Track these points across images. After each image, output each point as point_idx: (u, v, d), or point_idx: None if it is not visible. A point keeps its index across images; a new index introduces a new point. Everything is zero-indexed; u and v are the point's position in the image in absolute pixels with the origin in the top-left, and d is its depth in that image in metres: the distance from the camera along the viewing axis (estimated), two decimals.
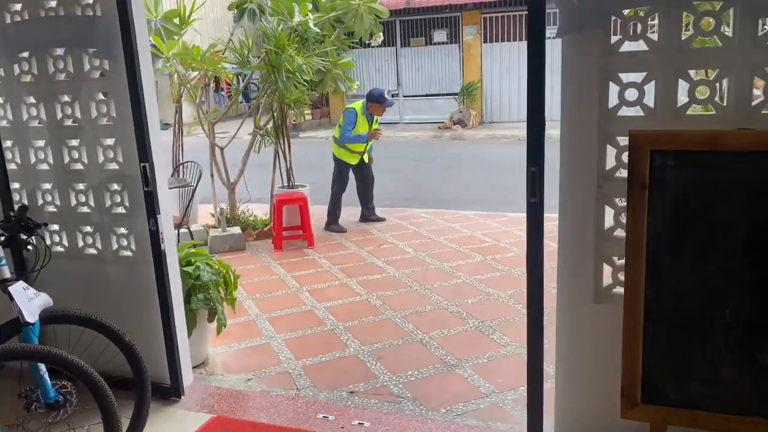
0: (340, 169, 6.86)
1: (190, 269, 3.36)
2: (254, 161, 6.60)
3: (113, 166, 3.05)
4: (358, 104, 6.68)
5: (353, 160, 6.87)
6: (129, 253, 3.14)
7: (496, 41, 15.36)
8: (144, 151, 2.86)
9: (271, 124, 6.41)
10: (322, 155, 12.69)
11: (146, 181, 2.88)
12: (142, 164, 2.87)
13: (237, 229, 6.13)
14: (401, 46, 16.28)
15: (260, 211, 7.28)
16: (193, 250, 3.61)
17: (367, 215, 7.07)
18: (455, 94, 15.75)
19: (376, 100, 6.65)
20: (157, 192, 2.92)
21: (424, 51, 16.10)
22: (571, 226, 2.41)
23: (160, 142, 3.05)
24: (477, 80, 15.49)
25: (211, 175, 6.45)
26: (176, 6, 6.27)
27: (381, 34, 7.07)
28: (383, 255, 5.67)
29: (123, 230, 3.14)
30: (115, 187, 3.08)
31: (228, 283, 3.56)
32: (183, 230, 5.55)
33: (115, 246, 3.17)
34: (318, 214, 7.28)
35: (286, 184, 6.45)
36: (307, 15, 6.20)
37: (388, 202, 8.32)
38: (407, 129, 15.77)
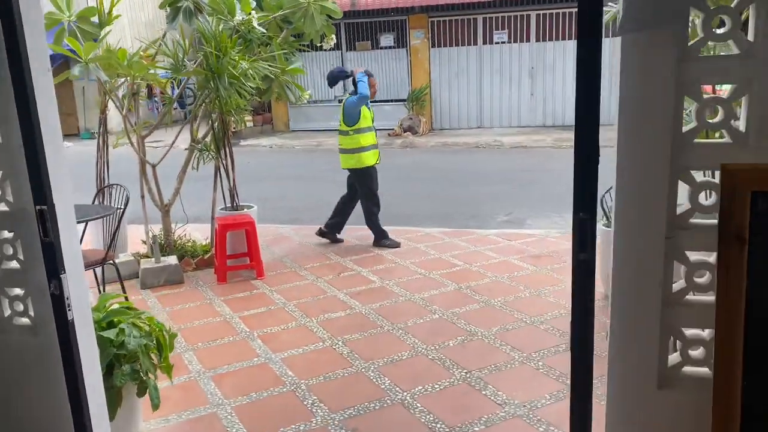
0: (368, 176, 6.13)
1: (111, 334, 2.61)
2: (193, 172, 5.82)
3: (1, 206, 2.29)
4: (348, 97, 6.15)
5: (374, 158, 6.15)
6: (26, 321, 2.38)
7: (444, 46, 14.95)
8: (40, 190, 2.11)
9: (210, 136, 5.65)
10: (266, 165, 11.97)
11: (44, 229, 2.13)
12: (38, 207, 2.12)
13: (173, 259, 5.33)
14: (347, 50, 15.66)
15: (200, 233, 6.49)
16: (116, 306, 2.86)
17: (334, 228, 6.37)
18: (404, 100, 15.25)
19: (366, 74, 6.05)
20: (61, 243, 2.18)
21: (371, 55, 15.53)
22: (628, 288, 1.83)
23: (67, 172, 2.31)
24: (425, 86, 15.04)
25: (142, 196, 5.62)
26: (95, 3, 5.43)
27: (334, 36, 6.42)
28: (344, 285, 5.01)
29: (18, 291, 2.37)
30: (5, 234, 2.32)
31: (162, 346, 2.83)
32: (109, 264, 4.72)
33: (7, 311, 2.39)
34: (267, 235, 6.55)
35: (229, 204, 5.70)
36: (250, 14, 5.49)
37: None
38: None
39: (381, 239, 6.20)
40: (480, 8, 14.40)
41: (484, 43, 14.69)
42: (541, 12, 14.21)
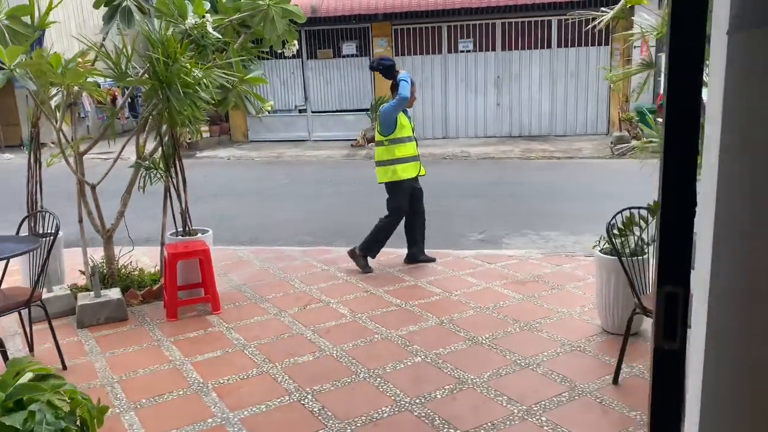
0: (400, 191, 5.49)
1: (17, 420, 2.02)
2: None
3: None
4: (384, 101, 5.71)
5: (414, 170, 5.53)
6: None
7: (408, 54, 14.55)
8: None
9: (159, 153, 5.03)
10: (223, 178, 11.30)
11: None
12: None
13: (116, 292, 4.68)
14: (308, 58, 15.11)
15: (150, 258, 5.86)
16: (29, 378, 2.26)
17: (416, 255, 5.76)
18: (367, 109, 14.77)
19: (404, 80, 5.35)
20: None
21: (333, 63, 15.03)
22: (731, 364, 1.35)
23: None
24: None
25: (80, 220, 4.97)
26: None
27: (296, 42, 5.89)
28: (311, 320, 4.46)
29: None
30: None
31: (88, 426, 2.24)
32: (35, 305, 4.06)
33: None
34: (224, 259, 5.96)
35: (181, 229, 5.08)
36: (203, 17, 4.91)
37: (308, 238, 7.11)
38: (317, 147, 14.58)
39: (364, 253, 5.57)
40: (444, 16, 14.07)
41: (449, 51, 14.36)
42: (507, 21, 13.96)
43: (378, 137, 5.47)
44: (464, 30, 14.24)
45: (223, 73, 4.79)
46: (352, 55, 14.92)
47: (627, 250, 3.90)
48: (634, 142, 12.03)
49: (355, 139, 14.49)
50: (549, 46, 13.95)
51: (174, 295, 4.57)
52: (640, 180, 9.56)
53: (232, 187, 10.36)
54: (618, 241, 3.89)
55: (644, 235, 3.94)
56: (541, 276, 5.29)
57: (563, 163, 11.59)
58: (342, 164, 12.56)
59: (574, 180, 9.85)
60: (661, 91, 13.10)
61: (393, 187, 5.49)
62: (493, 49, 14.18)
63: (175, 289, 4.57)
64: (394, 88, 5.42)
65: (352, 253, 5.63)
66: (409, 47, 14.53)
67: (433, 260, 5.78)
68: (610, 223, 4.04)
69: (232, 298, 4.98)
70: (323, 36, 14.94)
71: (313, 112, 15.38)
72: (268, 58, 13.89)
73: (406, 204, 5.55)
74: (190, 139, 14.39)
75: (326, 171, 11.66)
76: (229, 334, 4.27)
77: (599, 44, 13.73)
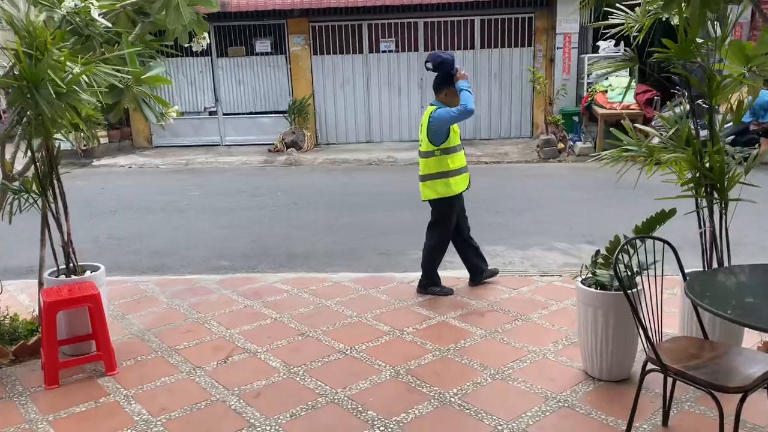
0: (451, 207, 4.81)
1: None
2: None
3: None
4: (431, 108, 4.72)
5: (466, 183, 4.87)
6: None
7: (327, 53, 13.73)
8: None
9: (32, 172, 3.98)
10: (124, 191, 9.92)
11: None
12: None
13: None
14: (218, 56, 13.95)
15: (28, 297, 4.77)
16: None
17: (481, 272, 5.09)
18: (284, 112, 13.82)
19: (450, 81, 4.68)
20: None
21: (246, 62, 13.96)
22: None
23: None
24: (308, 96, 13.73)
25: None
26: None
27: (206, 35, 4.96)
28: (235, 379, 3.59)
29: None
30: None
31: None
32: None
33: None
34: (122, 296, 4.94)
35: (63, 267, 4.04)
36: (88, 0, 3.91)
37: (224, 263, 6.16)
38: (231, 152, 13.47)
39: (431, 286, 4.92)
40: (365, 14, 13.36)
41: (371, 51, 13.67)
42: (429, 20, 13.45)
43: (426, 147, 4.70)
44: (386, 29, 13.60)
45: (114, 70, 3.80)
46: (267, 53, 13.91)
47: (611, 282, 3.31)
48: (577, 145, 11.83)
49: (273, 144, 13.51)
50: (472, 46, 13.57)
51: (54, 356, 3.55)
52: (574, 185, 9.17)
53: (134, 200, 9.16)
54: (606, 272, 3.29)
55: (633, 263, 3.36)
56: (498, 303, 4.66)
57: (492, 169, 11.17)
58: (260, 172, 11.56)
59: (508, 187, 9.40)
60: (585, 94, 13.04)
61: (444, 204, 4.78)
62: (416, 50, 13.63)
63: (54, 347, 3.55)
64: (443, 86, 4.69)
65: (421, 291, 4.94)
66: (327, 46, 13.71)
67: (495, 272, 5.20)
68: (598, 253, 3.44)
69: (132, 350, 4.01)
70: (234, 32, 13.84)
71: (224, 114, 14.23)
72: (174, 54, 12.65)
73: (454, 221, 4.89)
74: (85, 145, 12.91)
75: (242, 180, 10.64)
76: (128, 406, 3.32)
77: (522, 45, 13.49)
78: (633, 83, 11.72)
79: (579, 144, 11.91)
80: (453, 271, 5.57)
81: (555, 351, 3.80)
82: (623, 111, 11.33)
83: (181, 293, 5.07)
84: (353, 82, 13.80)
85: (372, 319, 4.42)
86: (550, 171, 10.68)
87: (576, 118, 12.81)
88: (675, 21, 3.72)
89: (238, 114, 14.22)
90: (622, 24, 3.78)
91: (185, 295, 5.03)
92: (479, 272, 5.07)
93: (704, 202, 3.45)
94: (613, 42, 12.97)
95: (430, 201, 4.87)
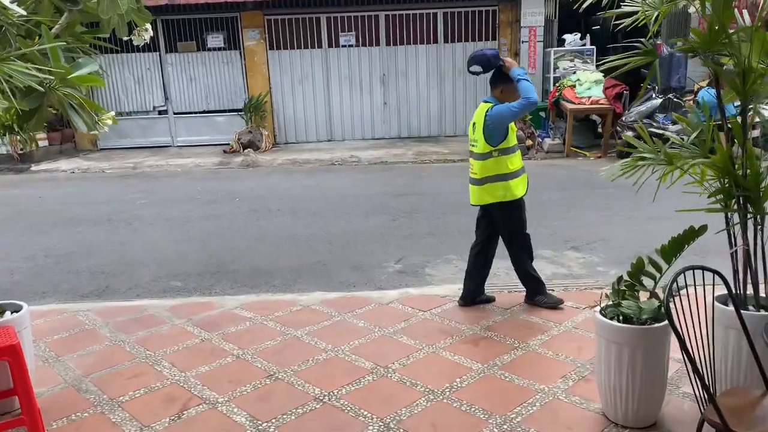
0: (517, 211, 4.37)
1: None
2: None
3: None
4: (486, 105, 4.21)
5: (525, 186, 4.39)
6: None
7: (284, 48, 13.03)
8: None
9: None
10: (64, 200, 9.02)
11: None
12: None
13: None
14: (167, 52, 13.08)
15: None
16: None
17: (475, 293, 4.64)
18: (240, 110, 13.06)
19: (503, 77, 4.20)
20: None
21: (197, 58, 13.13)
22: None
23: None
24: (265, 93, 13.01)
25: None
26: None
27: (149, 27, 4.30)
28: None
29: None
30: None
31: None
32: None
33: None
34: (57, 330, 4.25)
35: None
36: None
37: (177, 284, 5.49)
38: (183, 154, 12.65)
39: (538, 295, 4.49)
40: (323, 6, 12.71)
41: (330, 45, 13.03)
42: (390, 13, 12.89)
43: (482, 148, 4.22)
44: (345, 22, 12.97)
45: (33, 68, 3.11)
46: (220, 48, 13.11)
47: (639, 314, 2.83)
48: (546, 142, 11.46)
49: (229, 144, 12.75)
50: (435, 41, 13.08)
51: None
52: (548, 185, 8.75)
53: (77, 211, 8.33)
54: (633, 303, 2.80)
55: (659, 290, 2.89)
56: (492, 328, 4.16)
57: (460, 167, 10.68)
58: (215, 175, 10.81)
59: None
60: (552, 89, 12.72)
61: (507, 208, 4.33)
62: (378, 44, 13.06)
63: None
64: (498, 82, 4.21)
65: (534, 304, 4.49)
66: (284, 40, 13.01)
67: (492, 299, 4.68)
68: (621, 279, 2.95)
69: (65, 405, 3.34)
70: (184, 26, 12.99)
71: (175, 113, 13.37)
72: (114, 50, 11.73)
73: (525, 218, 4.42)
74: (21, 149, 11.87)
75: (196, 184, 9.88)
76: None
77: (486, 39, 13.08)
78: (601, 77, 11.48)
79: (548, 140, 11.56)
80: (438, 287, 5.04)
81: (565, 389, 3.31)
82: (593, 106, 11.05)
83: (128, 325, 4.40)
84: (312, 78, 13.14)
85: (350, 352, 3.85)
86: None
87: (543, 114, 12.47)
88: (692, 9, 3.26)
89: (190, 113, 13.39)
90: (636, 13, 3.29)
91: (132, 327, 4.36)
92: (474, 296, 4.60)
93: (736, 218, 2.99)
94: (579, 35, 12.70)
95: (487, 206, 4.40)
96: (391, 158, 11.56)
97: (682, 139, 3.27)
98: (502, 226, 4.44)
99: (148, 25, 4.28)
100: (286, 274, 5.66)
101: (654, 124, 10.27)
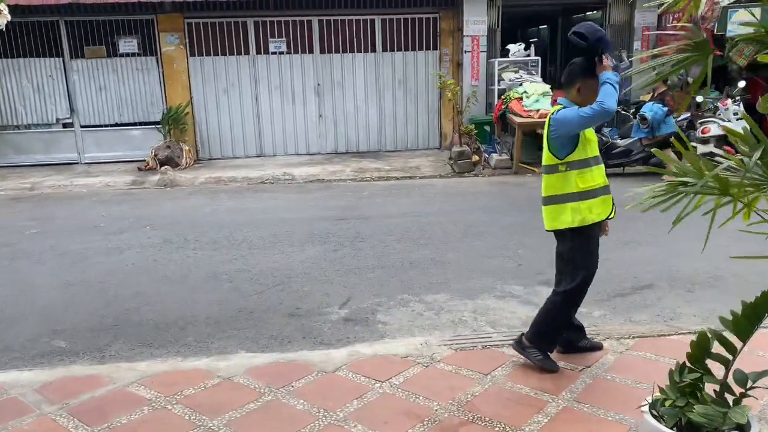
0: (586, 241, 3.45)
1: None
2: None
3: None
4: (555, 108, 3.41)
5: (606, 208, 3.45)
6: None
7: (207, 54, 11.81)
8: None
9: None
10: None
11: None
12: None
13: None
14: (72, 57, 11.58)
15: None
16: None
17: (581, 340, 3.78)
18: (157, 123, 11.71)
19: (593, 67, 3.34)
20: None
21: (108, 64, 11.70)
22: None
23: None
24: (185, 104, 11.72)
25: None
26: None
27: (5, 6, 3.16)
28: None
29: None
30: None
31: None
32: None
33: None
34: None
35: None
36: None
37: (60, 344, 4.28)
38: (91, 173, 11.17)
39: (540, 347, 3.56)
40: (250, 9, 11.60)
41: (258, 52, 11.90)
42: (325, 18, 11.92)
43: (548, 159, 3.45)
44: (275, 27, 11.89)
45: None
46: (134, 54, 11.72)
47: (722, 423, 1.93)
48: (493, 157, 10.70)
49: (144, 161, 11.37)
50: (374, 49, 12.20)
51: None
52: (503, 205, 7.91)
53: None
54: (711, 407, 1.91)
55: (731, 381, 2.01)
56: (472, 404, 3.20)
57: (404, 185, 9.82)
58: (126, 197, 9.43)
59: (430, 209, 8.05)
60: (497, 101, 12.08)
61: (576, 236, 3.43)
62: (311, 51, 12.04)
63: None
64: (578, 77, 3.34)
65: (519, 346, 3.62)
66: (207, 46, 11.78)
67: (599, 347, 3.79)
68: (683, 369, 2.05)
69: None
70: (92, 29, 11.54)
71: (83, 126, 11.85)
72: (6, 54, 10.24)
73: (596, 259, 3.50)
74: None
75: (101, 209, 8.51)
76: None
77: (427, 48, 12.32)
78: (549, 89, 10.90)
79: (495, 156, 10.86)
80: (395, 342, 4.05)
81: None
82: (542, 120, 10.42)
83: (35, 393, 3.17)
84: (239, 88, 11.96)
85: None
86: (469, 187, 9.49)
87: (488, 128, 11.79)
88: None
89: (101, 126, 11.90)
90: None
91: (55, 393, 3.14)
92: (575, 335, 3.76)
93: None
94: (523, 46, 12.14)
95: (554, 232, 3.51)
96: (329, 176, 10.54)
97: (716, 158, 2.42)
98: (563, 258, 3.53)
99: (3, 6, 3.14)
100: (203, 326, 4.54)
101: (603, 138, 9.72)
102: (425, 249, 6.18)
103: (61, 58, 11.52)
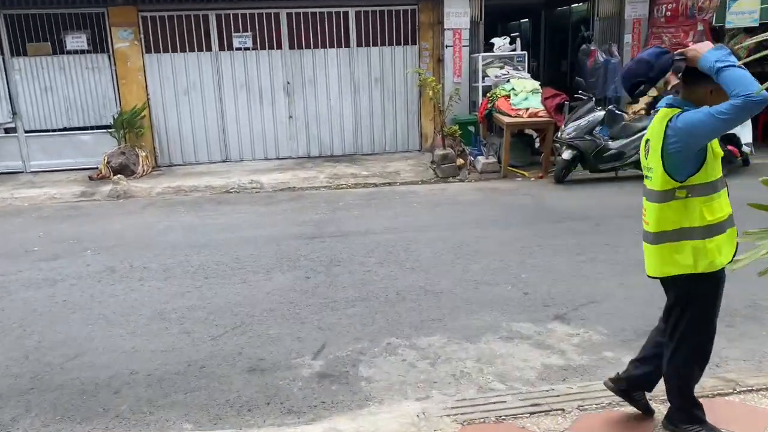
0: (714, 290, 2.61)
1: None
2: None
3: None
4: (668, 113, 2.50)
5: (730, 250, 2.55)
6: None
7: (165, 51, 10.76)
8: None
9: None
10: None
11: None
12: None
13: None
14: (13, 55, 10.44)
15: None
16: None
17: (639, 391, 2.99)
18: (109, 126, 10.63)
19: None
20: None
21: (54, 62, 10.57)
22: None
23: None
24: (141, 106, 10.66)
25: None
26: None
27: None
28: None
29: None
30: None
31: None
32: None
33: None
34: None
35: None
36: None
37: None
38: (37, 183, 10.06)
39: (689, 422, 2.74)
40: (211, 1, 10.59)
41: (222, 48, 10.90)
42: (293, 10, 10.97)
43: (661, 182, 2.53)
44: (239, 21, 10.89)
45: None
46: (82, 51, 10.61)
47: None
48: (479, 161, 9.84)
49: (96, 168, 10.30)
50: (347, 44, 11.28)
51: None
52: (495, 217, 7.04)
53: None
54: None
55: None
56: None
57: (384, 193, 8.94)
58: (71, 212, 8.37)
59: (414, 222, 7.17)
60: (481, 99, 11.26)
61: (696, 284, 2.58)
62: (279, 47, 11.07)
63: None
64: (701, 80, 2.46)
65: (672, 427, 2.81)
66: (164, 41, 10.73)
67: (651, 413, 3.01)
68: None
69: None
70: (35, 23, 10.40)
71: (27, 132, 10.71)
72: None
73: (718, 310, 2.68)
74: None
75: (40, 228, 7.45)
76: None
77: (405, 43, 11.44)
78: (539, 87, 10.08)
79: (481, 159, 10.04)
80: (383, 409, 3.16)
81: None
82: (531, 119, 9.63)
83: None
84: (201, 87, 10.93)
85: None
86: (455, 195, 8.65)
87: (472, 128, 10.97)
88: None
89: (47, 131, 10.77)
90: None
91: None
92: (643, 387, 2.97)
93: None
94: (509, 39, 11.33)
95: (667, 279, 2.62)
96: (300, 183, 9.61)
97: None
98: (677, 314, 2.67)
99: None
100: (142, 388, 3.61)
101: (596, 140, 8.94)
102: (413, 274, 5.30)
103: (0, 56, 10.37)
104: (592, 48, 11.64)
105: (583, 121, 8.91)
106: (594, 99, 9.42)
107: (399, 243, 6.18)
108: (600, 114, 8.94)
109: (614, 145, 9.05)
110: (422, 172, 10.11)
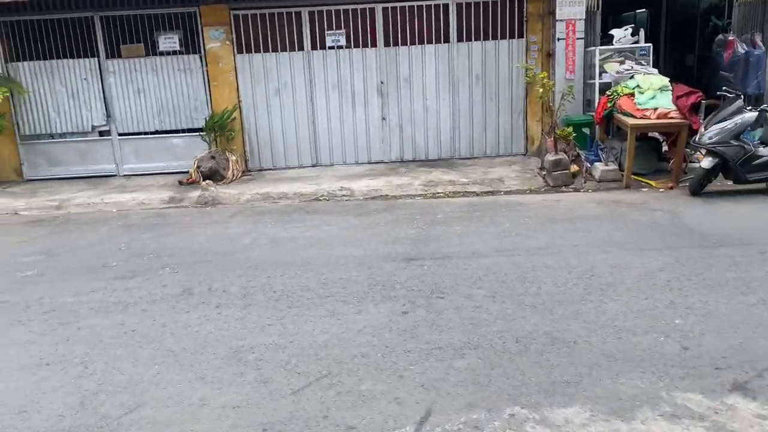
0: None
1: None
2: None
3: None
4: None
5: None
6: None
7: (257, 51, 10.32)
8: None
9: None
10: None
11: None
12: None
13: None
14: (107, 57, 10.35)
15: None
16: None
17: None
18: (200, 129, 10.32)
19: None
20: None
21: (147, 64, 10.40)
22: None
23: None
24: (232, 108, 10.27)
25: None
26: None
27: None
28: None
29: None
30: None
31: None
32: None
33: None
34: None
35: None
36: None
37: None
38: (128, 187, 9.88)
39: None
40: None
41: (314, 47, 10.32)
42: (390, 5, 10.21)
43: None
44: (333, 18, 10.27)
45: None
46: (175, 52, 10.37)
47: None
48: (597, 168, 8.65)
49: (187, 173, 10.00)
50: (447, 39, 10.38)
51: None
52: (628, 239, 5.55)
53: None
54: None
55: None
56: None
57: (487, 204, 7.96)
58: (158, 219, 8.01)
59: (526, 242, 6.16)
60: (598, 98, 10.02)
61: None
62: (374, 45, 10.34)
63: None
64: None
65: None
66: (256, 41, 10.29)
67: None
68: None
69: None
70: (128, 24, 10.27)
71: (120, 135, 10.61)
72: (39, 55, 9.01)
73: None
74: None
75: (124, 238, 7.08)
76: None
77: (510, 36, 10.39)
78: (668, 84, 8.69)
79: (599, 166, 8.84)
80: None
81: None
82: (661, 121, 8.32)
83: None
84: (293, 88, 10.41)
85: None
86: (571, 208, 7.53)
87: (587, 131, 9.77)
88: None
89: (140, 134, 10.63)
90: None
91: None
92: None
93: None
94: (630, 30, 10.01)
95: None
96: (393, 190, 8.82)
97: None
98: None
99: None
100: None
101: (744, 146, 7.51)
102: (534, 315, 4.34)
103: (96, 59, 10.31)
104: (731, 38, 10.09)
105: (729, 124, 7.52)
106: (740, 96, 7.99)
107: (512, 270, 5.21)
108: (752, 115, 7.52)
109: (765, 151, 7.60)
110: (529, 180, 9.05)
